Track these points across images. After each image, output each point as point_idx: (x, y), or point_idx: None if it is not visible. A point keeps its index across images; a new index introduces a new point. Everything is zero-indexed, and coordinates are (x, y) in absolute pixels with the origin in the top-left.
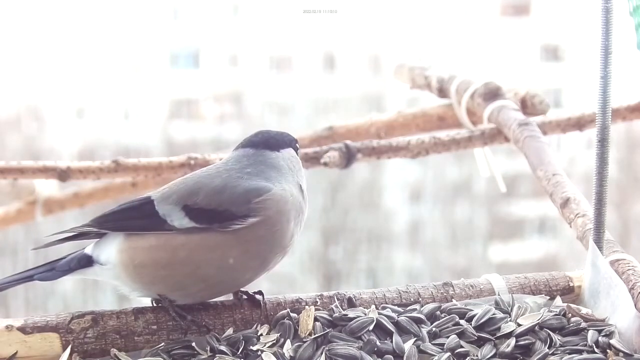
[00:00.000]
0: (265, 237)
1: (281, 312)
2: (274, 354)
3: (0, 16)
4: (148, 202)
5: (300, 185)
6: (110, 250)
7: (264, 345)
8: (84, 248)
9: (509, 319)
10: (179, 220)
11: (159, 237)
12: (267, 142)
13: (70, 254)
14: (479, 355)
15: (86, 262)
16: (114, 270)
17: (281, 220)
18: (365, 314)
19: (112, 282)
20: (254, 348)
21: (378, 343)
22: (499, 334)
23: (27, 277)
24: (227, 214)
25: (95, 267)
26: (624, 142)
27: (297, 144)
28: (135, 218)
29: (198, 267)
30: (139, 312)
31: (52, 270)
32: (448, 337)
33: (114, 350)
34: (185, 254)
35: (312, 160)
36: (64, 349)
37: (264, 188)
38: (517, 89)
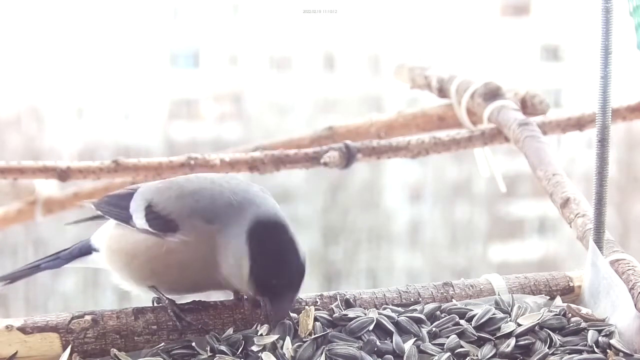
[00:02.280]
0: (188, 259)
1: None
2: (274, 354)
3: (0, 16)
4: (130, 194)
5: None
6: (103, 236)
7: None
8: (89, 238)
9: (509, 319)
10: (139, 219)
11: (127, 228)
12: None
13: (74, 244)
14: (479, 355)
15: (87, 249)
16: (102, 256)
17: (202, 251)
18: (365, 314)
19: (106, 269)
20: (254, 348)
21: (378, 343)
22: (499, 334)
23: (34, 267)
24: (171, 223)
25: (93, 254)
26: (624, 142)
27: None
28: (116, 207)
29: (149, 261)
30: (139, 312)
31: (57, 259)
32: (448, 337)
33: (114, 350)
34: (142, 249)
35: (312, 160)
36: (64, 349)
37: (207, 214)
38: (517, 89)
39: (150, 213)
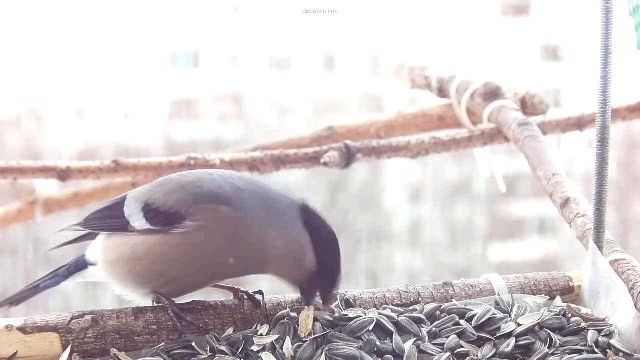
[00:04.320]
0: (203, 245)
1: (281, 312)
2: (274, 354)
3: (0, 16)
4: (120, 202)
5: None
6: (97, 249)
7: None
8: (84, 253)
9: (509, 319)
10: (138, 221)
11: (123, 235)
12: None
13: (70, 261)
14: (479, 355)
15: (83, 264)
16: (100, 269)
17: (221, 234)
18: (365, 314)
19: (106, 282)
20: (254, 348)
21: (378, 343)
22: (499, 334)
23: (34, 288)
24: (176, 216)
25: (89, 268)
26: (624, 142)
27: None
28: (108, 218)
29: (154, 262)
30: (139, 312)
31: (55, 277)
32: (448, 337)
33: (114, 350)
34: (143, 250)
35: (312, 160)
36: (64, 349)
37: (215, 197)
38: (517, 89)
39: (150, 212)
